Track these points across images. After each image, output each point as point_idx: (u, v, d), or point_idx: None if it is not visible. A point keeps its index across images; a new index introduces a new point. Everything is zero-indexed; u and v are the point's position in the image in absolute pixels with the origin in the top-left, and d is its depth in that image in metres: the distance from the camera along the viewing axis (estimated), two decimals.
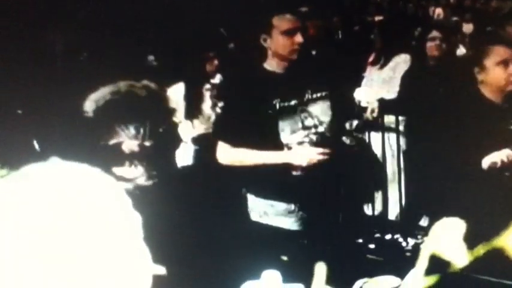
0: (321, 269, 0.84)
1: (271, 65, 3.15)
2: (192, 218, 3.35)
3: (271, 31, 3.07)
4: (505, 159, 3.10)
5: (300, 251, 3.31)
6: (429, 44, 5.01)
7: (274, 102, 3.11)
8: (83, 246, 0.87)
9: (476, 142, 3.28)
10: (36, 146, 3.85)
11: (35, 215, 0.86)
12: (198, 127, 4.67)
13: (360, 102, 4.37)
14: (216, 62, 4.72)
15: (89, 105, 3.46)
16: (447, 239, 0.77)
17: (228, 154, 3.13)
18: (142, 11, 5.40)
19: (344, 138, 3.34)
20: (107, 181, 0.94)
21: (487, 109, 3.40)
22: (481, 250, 0.78)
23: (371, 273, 1.29)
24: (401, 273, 0.97)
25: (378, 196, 4.98)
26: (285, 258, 3.69)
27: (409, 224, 4.81)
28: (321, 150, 3.04)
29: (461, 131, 3.36)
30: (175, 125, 4.35)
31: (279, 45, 3.09)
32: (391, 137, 4.90)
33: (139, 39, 5.20)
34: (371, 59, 5.27)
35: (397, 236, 4.70)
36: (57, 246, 0.86)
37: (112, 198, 0.93)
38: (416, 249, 4.57)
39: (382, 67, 5.10)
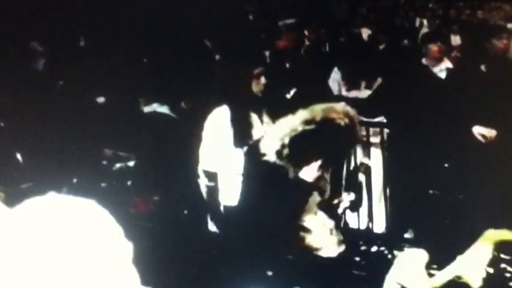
0: None
1: None
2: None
3: None
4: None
5: (285, 267, 3.28)
6: None
7: None
8: (77, 270, 0.96)
9: None
10: (20, 158, 3.84)
11: (38, 244, 0.96)
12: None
13: None
14: (263, 79, 4.17)
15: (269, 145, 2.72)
16: (410, 269, 0.78)
17: None
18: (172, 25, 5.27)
19: None
20: (101, 212, 1.04)
21: None
22: (440, 280, 0.79)
23: None
24: None
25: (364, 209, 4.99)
26: (270, 273, 3.68)
27: (394, 236, 4.81)
28: None
29: None
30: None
31: None
32: (376, 151, 4.92)
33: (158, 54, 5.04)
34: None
35: (382, 248, 4.71)
36: (53, 272, 0.95)
37: (105, 228, 1.02)
38: None
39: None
